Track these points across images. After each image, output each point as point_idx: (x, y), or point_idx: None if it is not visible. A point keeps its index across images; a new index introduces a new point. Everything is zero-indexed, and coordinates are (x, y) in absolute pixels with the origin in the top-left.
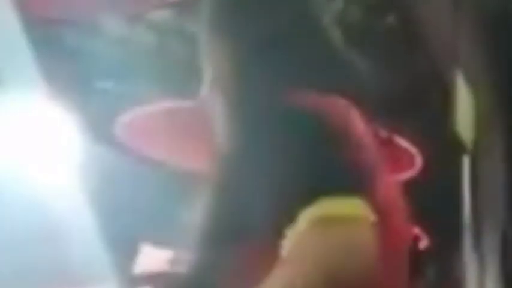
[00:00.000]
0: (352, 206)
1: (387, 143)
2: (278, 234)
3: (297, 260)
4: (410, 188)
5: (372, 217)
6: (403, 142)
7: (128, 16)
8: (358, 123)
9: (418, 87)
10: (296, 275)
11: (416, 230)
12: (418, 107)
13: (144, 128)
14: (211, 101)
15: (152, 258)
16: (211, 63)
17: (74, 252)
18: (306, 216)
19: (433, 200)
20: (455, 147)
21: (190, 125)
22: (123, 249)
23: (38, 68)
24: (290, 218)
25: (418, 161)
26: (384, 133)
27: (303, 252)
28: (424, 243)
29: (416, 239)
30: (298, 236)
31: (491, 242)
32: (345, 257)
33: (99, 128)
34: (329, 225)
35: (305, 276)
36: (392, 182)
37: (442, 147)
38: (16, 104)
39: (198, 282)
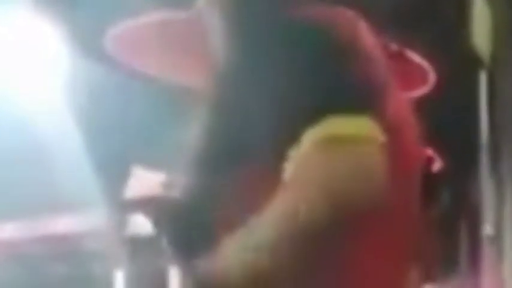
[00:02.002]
0: (360, 126)
1: (398, 57)
2: (280, 156)
3: (301, 184)
4: (423, 105)
5: (381, 137)
6: (415, 56)
7: None
8: (366, 35)
9: None
10: (299, 200)
11: (429, 151)
12: (431, 18)
13: (136, 41)
14: (208, 12)
15: (144, 182)
16: None
17: (63, 176)
18: (310, 137)
19: (448, 119)
20: (471, 61)
21: (186, 38)
22: (113, 171)
23: None
24: (293, 138)
25: (432, 77)
26: (394, 46)
27: (306, 175)
28: (437, 166)
29: (429, 161)
30: (302, 157)
31: (510, 165)
32: (352, 180)
33: (87, 41)
34: (335, 146)
35: (309, 201)
36: (403, 99)
37: (458, 62)
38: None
39: (193, 208)
